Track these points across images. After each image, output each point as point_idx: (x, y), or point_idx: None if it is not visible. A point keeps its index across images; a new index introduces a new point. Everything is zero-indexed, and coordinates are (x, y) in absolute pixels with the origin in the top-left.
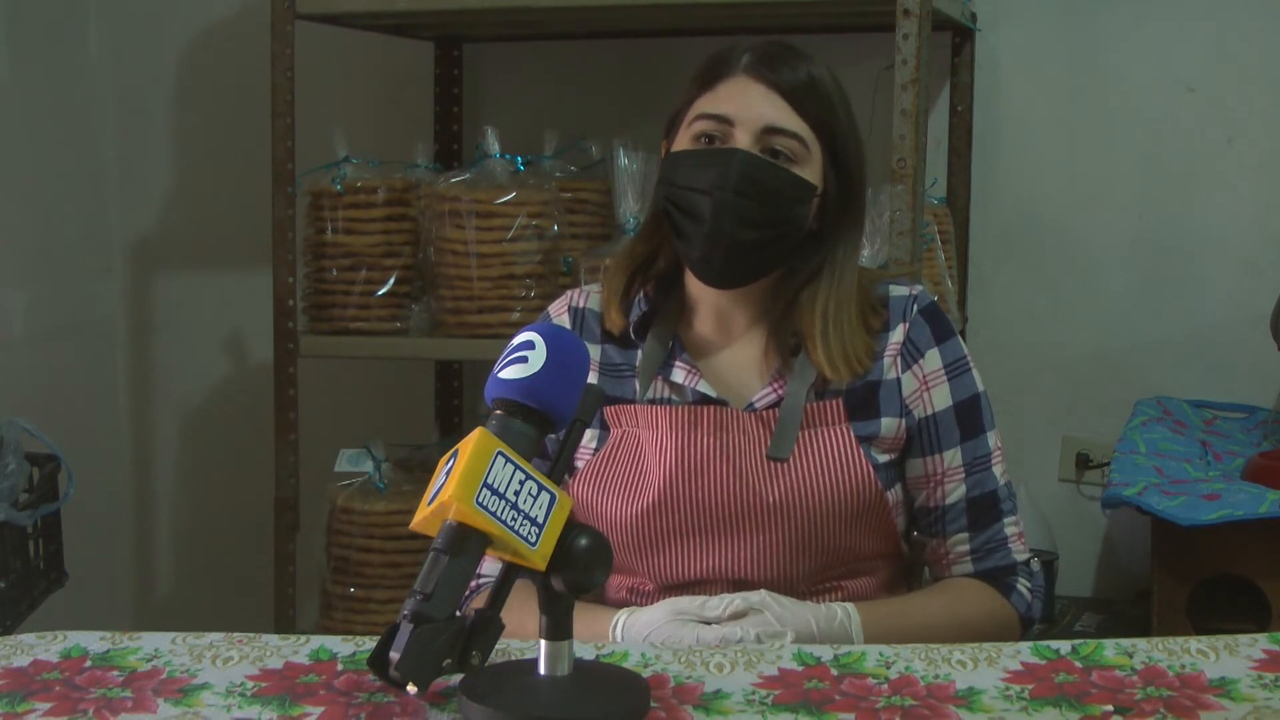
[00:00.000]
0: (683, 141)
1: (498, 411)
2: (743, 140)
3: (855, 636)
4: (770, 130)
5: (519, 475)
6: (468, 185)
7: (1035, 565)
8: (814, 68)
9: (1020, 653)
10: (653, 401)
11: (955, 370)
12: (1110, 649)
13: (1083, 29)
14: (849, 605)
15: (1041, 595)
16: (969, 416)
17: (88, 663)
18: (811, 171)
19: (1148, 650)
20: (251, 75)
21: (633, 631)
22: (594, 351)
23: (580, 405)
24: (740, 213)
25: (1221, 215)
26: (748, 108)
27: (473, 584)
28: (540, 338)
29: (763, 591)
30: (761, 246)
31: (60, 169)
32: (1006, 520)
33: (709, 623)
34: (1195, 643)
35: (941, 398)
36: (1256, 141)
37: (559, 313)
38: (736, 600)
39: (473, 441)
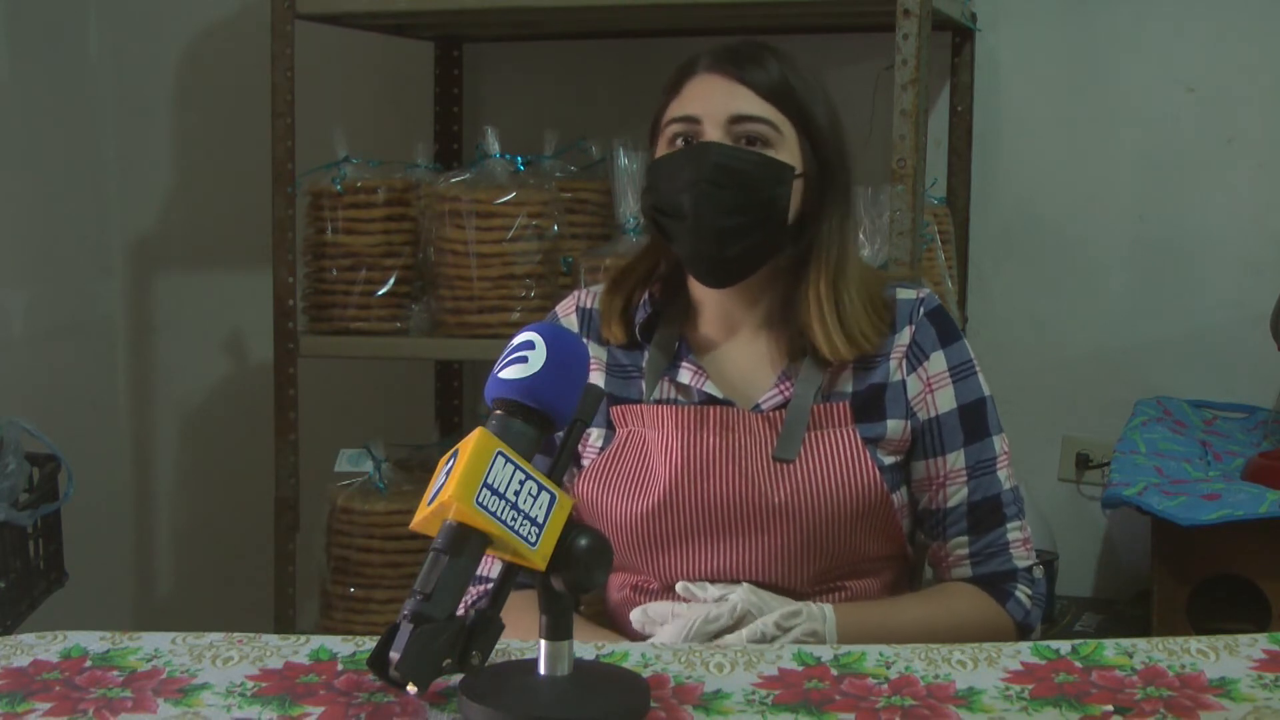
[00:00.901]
0: (660, 150)
1: (498, 411)
2: (713, 134)
3: (829, 637)
4: (737, 119)
5: (519, 475)
6: (468, 185)
7: (1039, 573)
8: (777, 58)
9: (1020, 653)
10: (659, 401)
11: (960, 373)
12: (1110, 649)
13: (1083, 29)
14: (826, 606)
15: (1043, 603)
16: (973, 420)
17: (88, 663)
18: (788, 154)
19: (1148, 650)
20: (251, 75)
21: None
22: (600, 352)
23: (580, 405)
24: (719, 202)
25: (1221, 215)
26: (712, 102)
27: (474, 590)
28: (540, 338)
29: (745, 586)
30: (747, 233)
31: (60, 169)
32: (1010, 525)
33: (716, 635)
34: (1195, 643)
35: (946, 400)
36: (1256, 141)
37: (566, 313)
38: (725, 612)
39: (473, 441)
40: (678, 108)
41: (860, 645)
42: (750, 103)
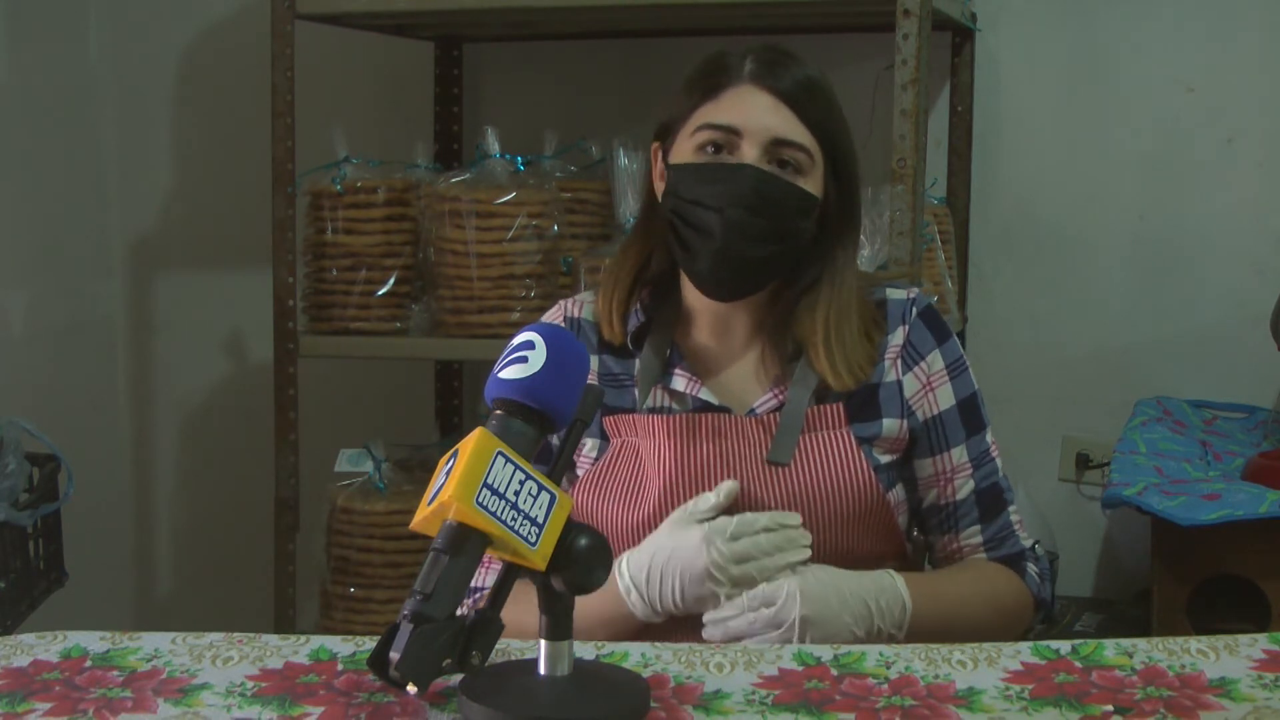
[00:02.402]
0: (685, 151)
1: (498, 411)
2: (750, 152)
3: (904, 595)
4: (779, 143)
5: (519, 475)
6: (468, 185)
7: (1040, 550)
8: (811, 72)
9: (1020, 653)
10: (652, 410)
11: (956, 370)
12: (1110, 649)
13: (1083, 29)
14: (892, 571)
15: (1050, 578)
16: (971, 414)
17: (88, 663)
18: (814, 182)
19: (1148, 650)
20: (251, 75)
21: (639, 557)
22: (591, 361)
23: (580, 405)
24: (750, 230)
25: (1221, 215)
26: (755, 119)
27: (469, 601)
28: (540, 337)
29: (813, 568)
30: (768, 261)
31: (60, 169)
32: (1010, 509)
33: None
34: (1195, 643)
35: (945, 397)
36: (1256, 141)
37: (554, 321)
38: (761, 588)
39: (473, 441)
40: (715, 113)
41: (861, 646)
42: (794, 128)
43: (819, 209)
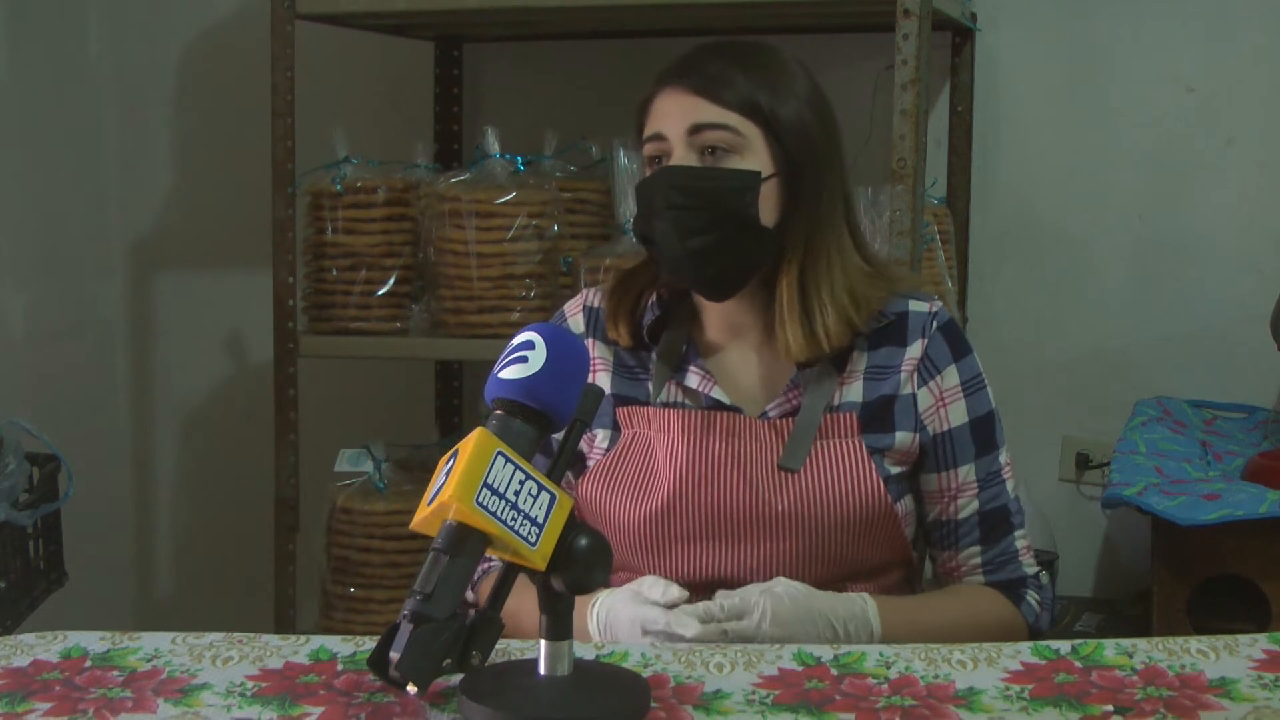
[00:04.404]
0: (645, 170)
1: (498, 411)
2: (678, 151)
3: (874, 624)
4: (696, 129)
5: (519, 475)
6: (468, 185)
7: (1045, 578)
8: (733, 58)
9: (1020, 653)
10: (665, 404)
11: (971, 387)
12: (1110, 649)
13: (1083, 29)
14: (867, 596)
15: (1050, 608)
16: (983, 433)
17: (88, 663)
18: (755, 158)
19: (1148, 650)
20: (251, 75)
21: (607, 603)
22: (607, 352)
23: (580, 405)
24: (687, 224)
25: (1221, 215)
26: (672, 118)
27: (483, 566)
28: (540, 338)
29: (782, 581)
30: (720, 248)
31: (60, 169)
32: (1017, 534)
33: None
34: (1195, 643)
35: (958, 414)
36: (1256, 141)
37: (574, 311)
38: (735, 598)
39: (473, 441)
40: (649, 127)
41: (861, 646)
42: (707, 111)
43: (775, 181)
